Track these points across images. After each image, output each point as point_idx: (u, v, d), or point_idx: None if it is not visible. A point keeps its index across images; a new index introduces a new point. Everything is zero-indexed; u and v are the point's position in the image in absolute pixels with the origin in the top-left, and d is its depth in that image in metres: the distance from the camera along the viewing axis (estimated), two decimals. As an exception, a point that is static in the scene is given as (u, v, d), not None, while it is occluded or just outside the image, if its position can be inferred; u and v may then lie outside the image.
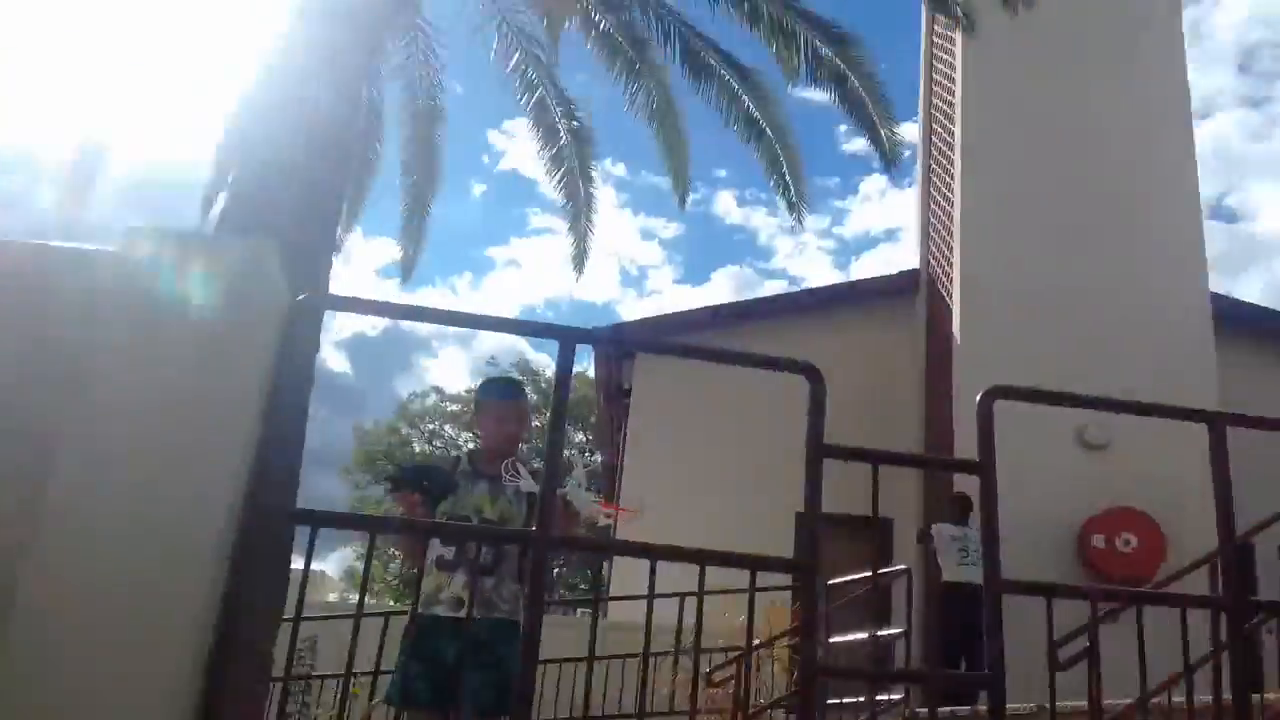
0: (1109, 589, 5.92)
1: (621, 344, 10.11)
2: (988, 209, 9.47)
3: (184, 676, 1.76)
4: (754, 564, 2.29)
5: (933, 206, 10.63)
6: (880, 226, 55.97)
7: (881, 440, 9.95)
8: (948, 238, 9.84)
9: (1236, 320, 9.81)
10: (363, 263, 49.24)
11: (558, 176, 8.17)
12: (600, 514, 3.16)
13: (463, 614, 2.71)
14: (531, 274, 50.15)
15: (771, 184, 8.98)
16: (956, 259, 9.44)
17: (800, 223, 10.01)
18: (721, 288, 50.93)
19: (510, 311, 47.21)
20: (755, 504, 8.26)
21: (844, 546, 9.40)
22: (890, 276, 10.89)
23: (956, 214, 9.60)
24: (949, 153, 9.99)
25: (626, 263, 51.77)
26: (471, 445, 3.84)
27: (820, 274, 51.06)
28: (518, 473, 3.17)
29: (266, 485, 1.91)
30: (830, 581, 7.71)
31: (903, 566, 6.74)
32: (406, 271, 8.78)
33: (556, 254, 50.56)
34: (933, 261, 10.42)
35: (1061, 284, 9.12)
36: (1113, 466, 8.31)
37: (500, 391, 3.70)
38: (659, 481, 9.35)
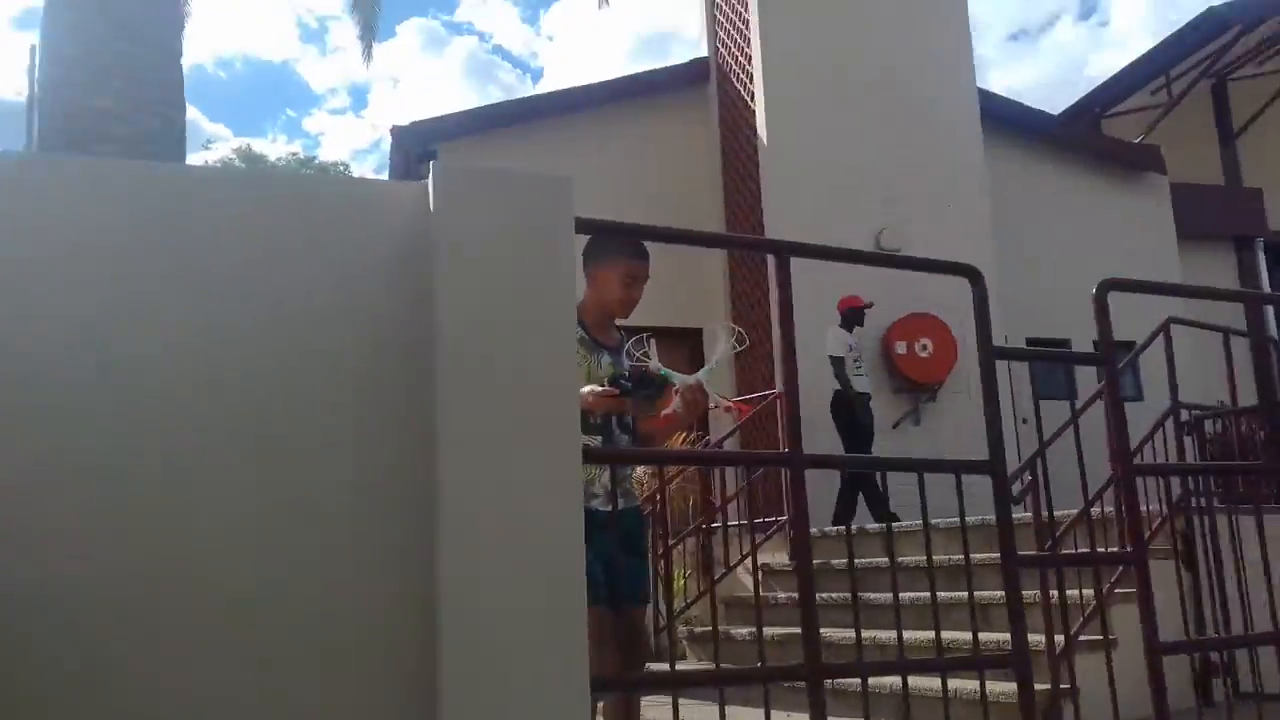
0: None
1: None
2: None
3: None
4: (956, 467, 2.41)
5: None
6: (568, -26, 54.37)
7: (693, 267, 10.13)
8: (743, 29, 9.82)
9: (999, 115, 10.61)
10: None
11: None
12: (723, 408, 3.06)
13: (614, 507, 2.62)
14: (195, 24, 44.88)
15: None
16: (756, 54, 9.48)
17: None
18: (410, 43, 48.26)
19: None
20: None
21: (667, 359, 9.78)
22: (680, 66, 10.76)
23: (754, 5, 9.57)
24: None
25: (304, 12, 47.70)
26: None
27: (509, 29, 49.39)
28: (648, 352, 2.87)
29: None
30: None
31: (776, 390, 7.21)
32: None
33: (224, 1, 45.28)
34: (722, 50, 10.39)
35: (852, 81, 9.45)
36: (907, 271, 8.86)
37: (636, 249, 3.05)
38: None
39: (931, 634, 2.63)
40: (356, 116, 57.20)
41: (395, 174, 10.05)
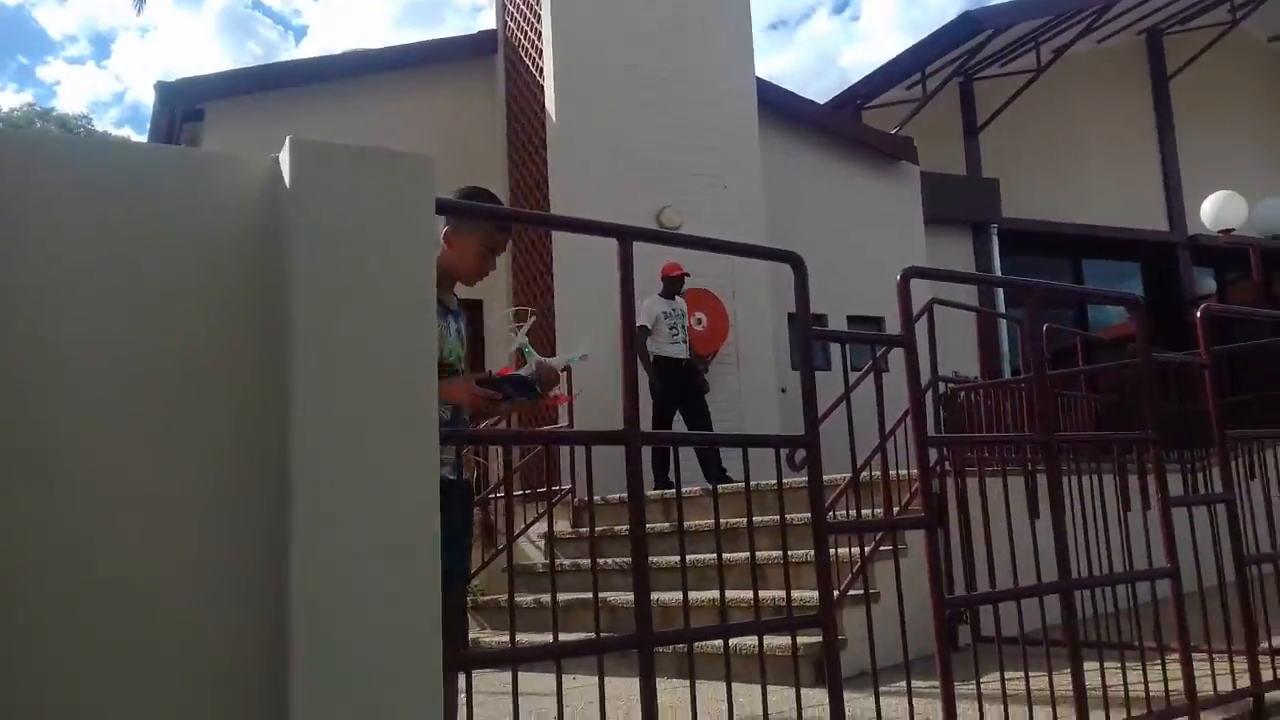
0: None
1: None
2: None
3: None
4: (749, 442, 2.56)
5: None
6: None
7: None
8: (534, 4, 9.81)
9: (773, 102, 11.08)
10: None
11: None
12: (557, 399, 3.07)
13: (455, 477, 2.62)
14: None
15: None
16: (547, 30, 9.50)
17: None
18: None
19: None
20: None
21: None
22: (466, 37, 10.62)
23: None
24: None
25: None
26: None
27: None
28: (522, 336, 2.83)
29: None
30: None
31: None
32: None
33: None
34: (511, 24, 10.34)
35: (639, 62, 9.64)
36: (686, 247, 9.10)
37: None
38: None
39: (715, 594, 2.80)
40: (98, 66, 52.88)
41: (157, 132, 9.43)
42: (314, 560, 1.73)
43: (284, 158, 1.84)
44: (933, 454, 5.12)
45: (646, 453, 7.46)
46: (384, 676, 1.78)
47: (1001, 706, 3.23)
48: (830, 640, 2.59)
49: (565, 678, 3.81)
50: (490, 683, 4.73)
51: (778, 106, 11.26)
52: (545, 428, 8.12)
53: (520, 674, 2.77)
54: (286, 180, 1.82)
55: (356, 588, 1.76)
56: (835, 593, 4.27)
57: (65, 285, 1.74)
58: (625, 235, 2.33)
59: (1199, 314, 3.98)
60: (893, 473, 4.50)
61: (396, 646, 1.79)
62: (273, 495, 1.77)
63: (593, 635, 2.68)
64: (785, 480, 2.85)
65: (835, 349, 11.12)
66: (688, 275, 8.43)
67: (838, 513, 4.73)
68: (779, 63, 54.29)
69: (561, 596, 5.82)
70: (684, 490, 2.59)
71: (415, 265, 1.87)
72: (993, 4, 12.80)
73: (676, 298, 8.48)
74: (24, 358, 1.70)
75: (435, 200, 1.87)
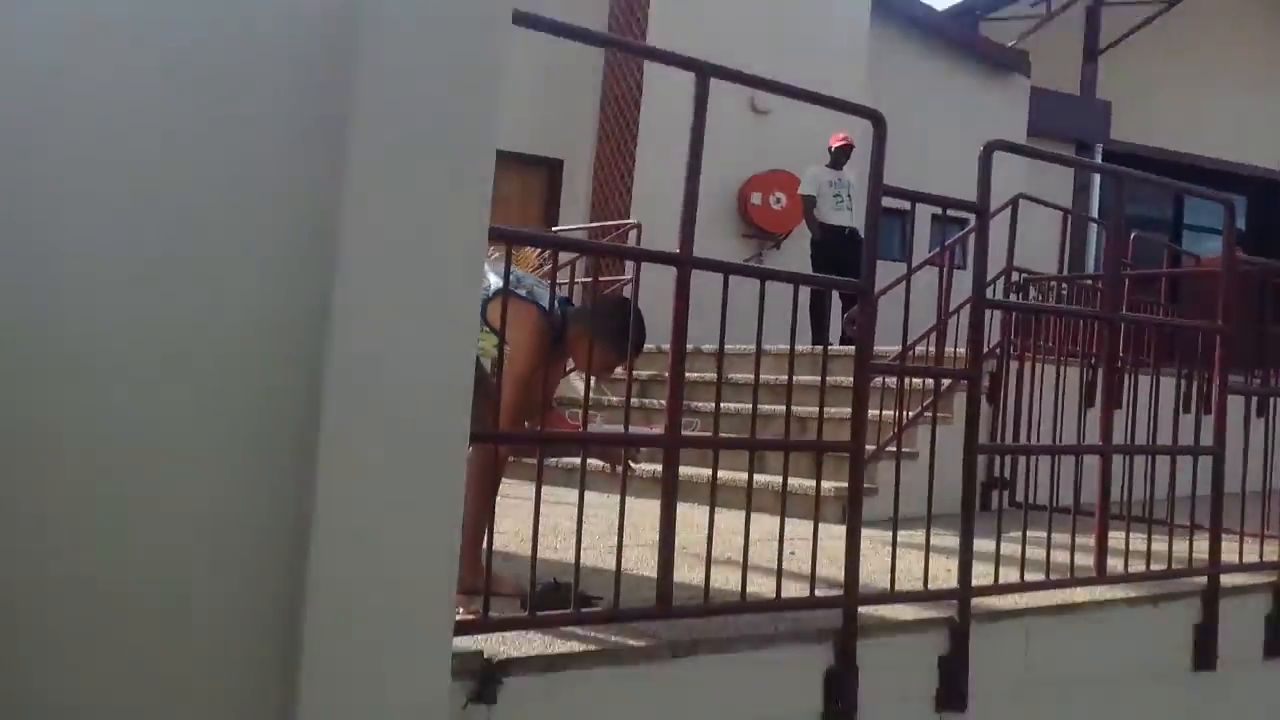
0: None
1: None
2: None
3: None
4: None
5: None
6: None
7: (561, 98, 9.92)
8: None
9: (887, 3, 10.83)
10: None
11: None
12: None
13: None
14: None
15: None
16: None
17: None
18: None
19: None
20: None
21: (514, 186, 9.73)
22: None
23: None
24: None
25: None
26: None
27: None
28: None
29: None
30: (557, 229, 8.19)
31: (634, 220, 7.39)
32: None
33: None
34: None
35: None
36: (775, 130, 9.28)
37: (628, 347, 2.69)
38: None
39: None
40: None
41: None
42: (349, 388, 1.73)
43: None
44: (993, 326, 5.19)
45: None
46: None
47: (1020, 555, 3.20)
48: (856, 470, 2.69)
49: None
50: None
51: (892, 6, 10.99)
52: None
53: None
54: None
55: (390, 401, 1.77)
56: (874, 446, 4.33)
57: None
58: (704, 70, 2.39)
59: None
60: (950, 350, 4.56)
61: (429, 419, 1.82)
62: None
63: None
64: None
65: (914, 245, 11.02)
66: (853, 145, 8.43)
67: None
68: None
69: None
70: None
71: (482, 79, 1.83)
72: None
73: (844, 168, 8.60)
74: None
75: (513, 11, 1.88)
